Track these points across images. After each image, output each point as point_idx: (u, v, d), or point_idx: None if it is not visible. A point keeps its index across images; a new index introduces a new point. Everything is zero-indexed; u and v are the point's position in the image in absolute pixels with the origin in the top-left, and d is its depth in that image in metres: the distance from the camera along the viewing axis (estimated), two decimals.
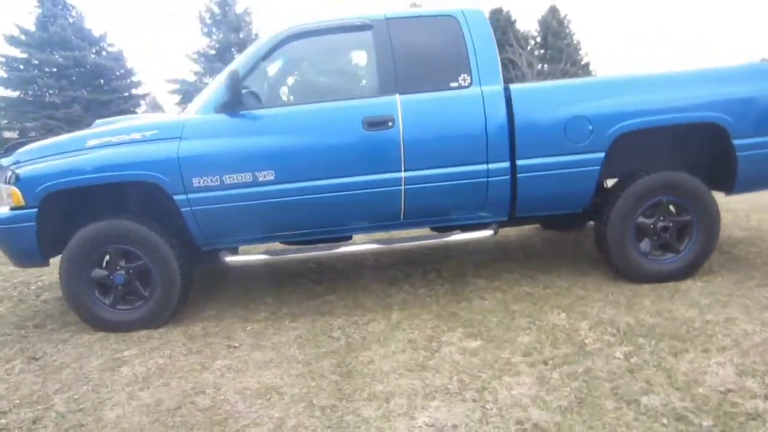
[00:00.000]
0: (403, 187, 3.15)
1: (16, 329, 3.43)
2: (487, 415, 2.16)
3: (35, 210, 3.10)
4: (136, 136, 3.12)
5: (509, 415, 2.14)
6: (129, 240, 3.15)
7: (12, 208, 3.15)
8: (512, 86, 3.19)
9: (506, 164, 3.18)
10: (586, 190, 3.28)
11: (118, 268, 3.21)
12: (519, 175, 3.20)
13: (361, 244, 3.36)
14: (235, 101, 3.05)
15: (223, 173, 3.07)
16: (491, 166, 3.17)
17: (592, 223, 3.74)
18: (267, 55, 3.18)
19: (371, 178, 3.13)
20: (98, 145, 3.12)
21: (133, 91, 21.48)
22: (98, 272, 3.22)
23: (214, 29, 18.22)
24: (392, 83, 3.15)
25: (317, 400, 2.35)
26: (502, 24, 28.69)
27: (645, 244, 3.38)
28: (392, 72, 3.15)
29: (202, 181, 3.07)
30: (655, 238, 3.37)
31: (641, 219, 3.33)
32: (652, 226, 3.35)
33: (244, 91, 3.09)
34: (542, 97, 3.22)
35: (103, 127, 3.38)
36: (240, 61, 3.21)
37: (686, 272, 3.39)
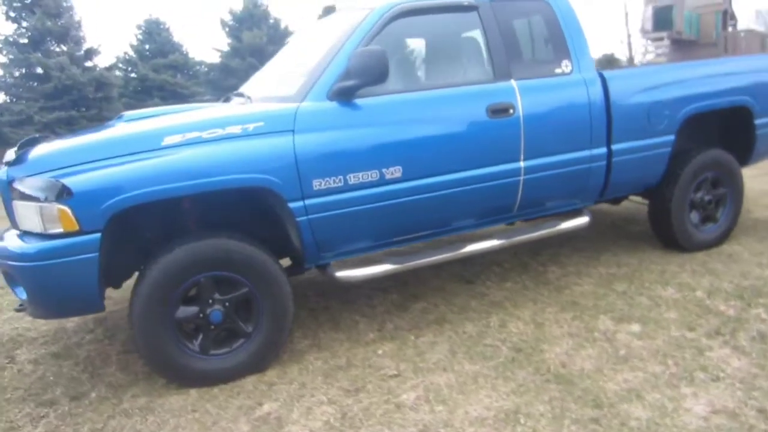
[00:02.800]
0: (522, 178, 3.00)
1: (47, 407, 2.43)
2: (747, 390, 2.19)
3: (98, 236, 2.22)
4: (235, 129, 2.43)
5: (765, 387, 2.20)
6: (231, 264, 2.45)
7: (53, 236, 2.21)
8: (605, 72, 3.25)
9: (604, 149, 3.23)
10: (659, 170, 3.51)
11: (210, 302, 2.47)
12: (613, 159, 3.28)
13: (481, 242, 3.10)
14: (355, 88, 2.56)
15: (347, 172, 2.57)
16: (594, 151, 3.20)
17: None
18: (375, 34, 2.72)
19: (494, 169, 2.92)
20: (182, 143, 2.36)
21: None
22: (185, 310, 2.44)
23: (24, 14, 14.86)
24: (506, 68, 2.97)
25: (572, 412, 2.13)
26: None
27: (694, 216, 3.75)
28: (504, 56, 2.97)
29: (323, 183, 2.53)
30: (701, 210, 3.76)
31: (692, 194, 3.68)
32: (699, 200, 3.72)
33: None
34: (632, 83, 3.34)
35: (172, 117, 2.56)
36: (344, 41, 2.70)
37: (722, 239, 3.86)
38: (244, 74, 22.94)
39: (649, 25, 14.68)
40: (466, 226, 3.11)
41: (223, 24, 23.67)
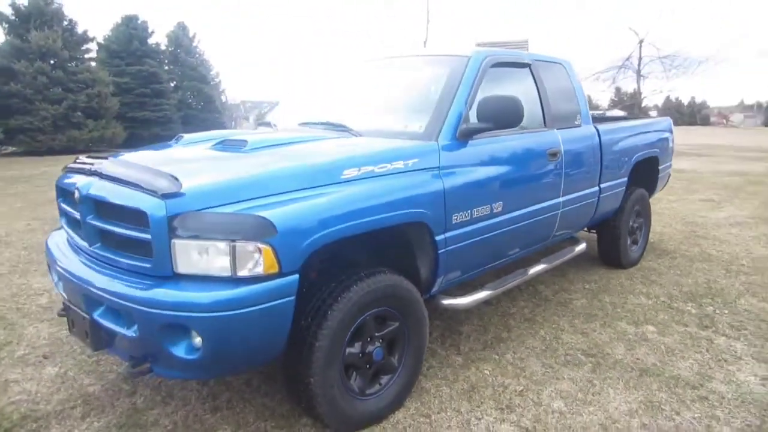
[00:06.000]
0: (560, 210, 3.55)
1: None
2: (762, 360, 3.04)
3: (296, 277, 2.04)
4: (399, 165, 2.46)
5: None
6: (395, 300, 2.43)
7: (244, 280, 1.96)
8: (598, 126, 4.02)
9: (598, 187, 4.00)
10: (618, 204, 4.42)
11: (369, 339, 2.41)
12: (601, 195, 4.06)
13: (536, 266, 3.55)
14: (480, 130, 2.81)
15: (473, 207, 2.78)
16: (594, 189, 3.93)
17: None
18: (481, 79, 3.00)
19: (549, 203, 3.42)
20: (359, 177, 2.31)
21: None
22: (351, 350, 2.34)
23: None
24: (552, 118, 3.51)
25: (681, 393, 2.69)
26: (139, 33, 26.42)
27: (628, 240, 4.79)
28: (550, 108, 3.51)
29: (459, 217, 2.70)
30: (632, 235, 4.82)
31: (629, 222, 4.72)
32: (632, 227, 4.78)
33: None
34: (613, 134, 4.16)
35: (345, 148, 2.45)
36: (456, 85, 2.90)
37: (641, 257, 4.99)
38: (32, 79, 19.42)
39: None
40: (523, 253, 3.51)
41: (1, 18, 19.75)
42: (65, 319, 2.44)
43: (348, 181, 2.27)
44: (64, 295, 2.47)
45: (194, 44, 33.14)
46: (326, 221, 2.11)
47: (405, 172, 2.47)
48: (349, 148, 2.54)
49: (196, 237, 1.95)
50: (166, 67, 30.97)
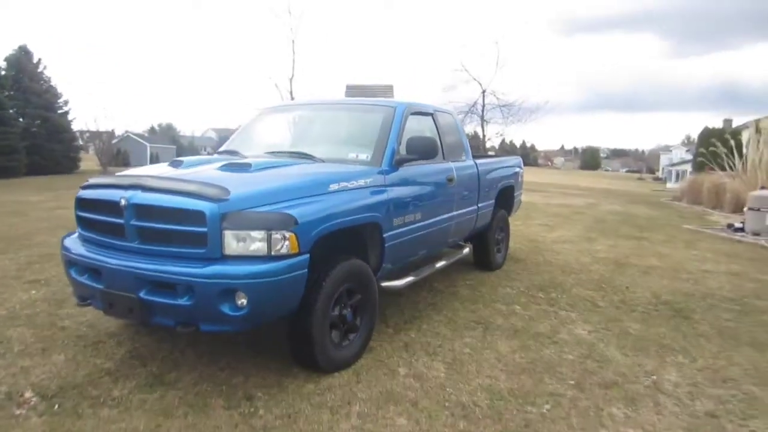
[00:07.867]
0: (454, 222, 4.85)
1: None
2: (589, 320, 4.55)
3: (308, 255, 2.98)
4: (361, 182, 3.51)
5: (601, 324, 4.62)
6: (359, 277, 3.43)
7: (277, 258, 2.85)
8: (476, 160, 5.45)
9: (476, 206, 5.40)
10: (488, 221, 5.89)
11: (343, 306, 3.38)
12: (478, 213, 5.47)
13: (439, 262, 4.74)
14: (408, 160, 3.98)
15: (405, 214, 3.92)
16: (474, 207, 5.33)
17: None
18: (405, 122, 4.18)
19: (448, 215, 4.69)
20: (339, 190, 3.32)
21: None
22: (333, 313, 3.28)
23: None
24: (447, 153, 4.83)
25: (546, 345, 4.05)
26: None
27: (495, 249, 6.29)
28: (445, 145, 4.83)
29: (397, 221, 3.81)
30: (496, 245, 6.34)
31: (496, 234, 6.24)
32: (497, 239, 6.30)
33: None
34: (486, 167, 5.61)
35: (324, 169, 3.42)
36: (389, 126, 4.05)
37: (503, 262, 6.53)
38: None
39: None
40: (429, 253, 4.71)
41: None
42: (85, 308, 3.13)
43: (333, 192, 3.27)
44: (96, 285, 3.06)
45: (39, 69, 30.48)
46: (326, 218, 3.08)
47: (365, 187, 3.53)
48: (327, 170, 3.53)
49: (241, 228, 2.80)
50: (7, 93, 28.06)
